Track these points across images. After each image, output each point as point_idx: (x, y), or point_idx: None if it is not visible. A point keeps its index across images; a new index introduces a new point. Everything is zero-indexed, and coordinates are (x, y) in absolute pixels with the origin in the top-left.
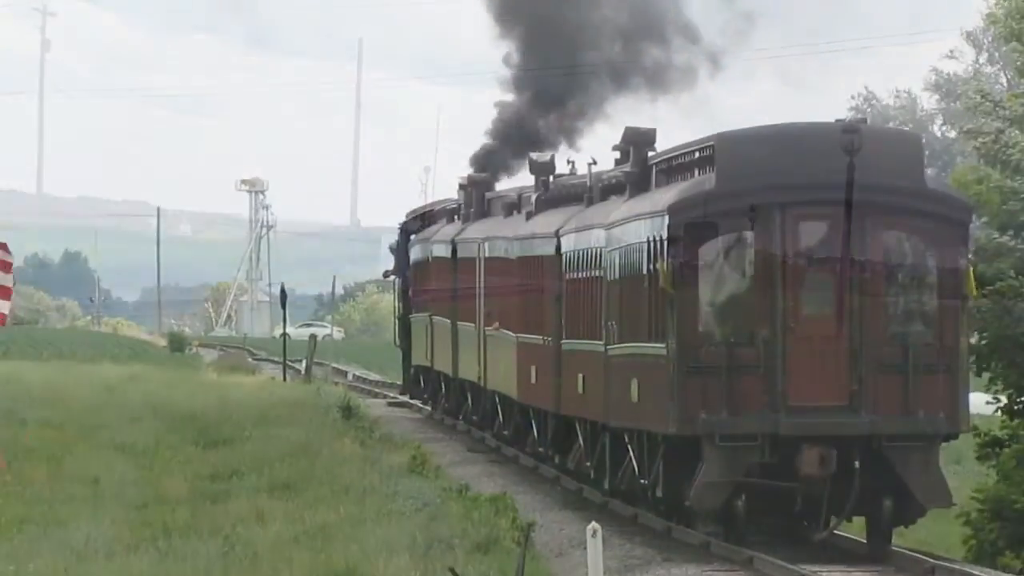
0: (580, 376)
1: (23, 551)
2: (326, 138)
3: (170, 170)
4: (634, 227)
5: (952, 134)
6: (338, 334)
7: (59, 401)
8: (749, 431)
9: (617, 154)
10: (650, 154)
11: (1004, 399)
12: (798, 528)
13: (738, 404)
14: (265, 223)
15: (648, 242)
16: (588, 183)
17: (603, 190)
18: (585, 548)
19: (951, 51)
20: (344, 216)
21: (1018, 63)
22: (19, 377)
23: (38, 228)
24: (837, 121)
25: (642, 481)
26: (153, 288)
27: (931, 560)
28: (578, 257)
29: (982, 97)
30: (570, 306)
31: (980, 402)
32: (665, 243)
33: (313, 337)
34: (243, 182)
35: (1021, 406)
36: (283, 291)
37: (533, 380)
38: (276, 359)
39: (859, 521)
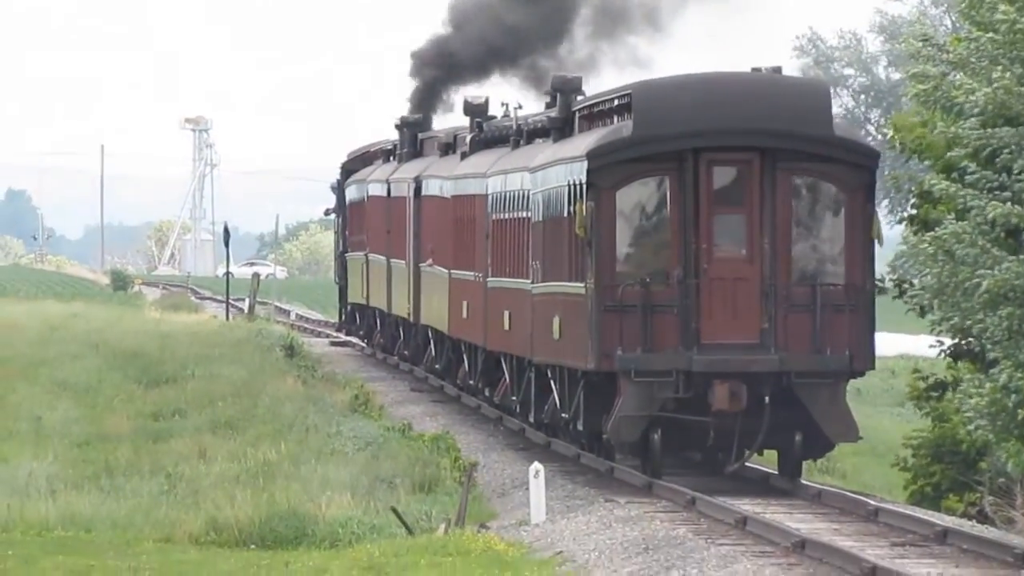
0: (506, 313)
1: None
2: (274, 74)
3: (114, 107)
4: (556, 171)
5: (897, 76)
6: (281, 273)
7: (1, 338)
8: (663, 367)
9: (548, 99)
10: (578, 99)
11: (948, 342)
12: (711, 460)
13: (653, 341)
14: (209, 161)
15: (569, 186)
16: (515, 125)
17: (530, 133)
18: (528, 488)
19: None
20: (291, 154)
21: (962, 5)
22: None
23: None
24: (752, 70)
25: (563, 415)
26: (97, 227)
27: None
28: (505, 198)
29: (923, 42)
30: (497, 245)
31: (923, 345)
32: (584, 187)
33: (256, 276)
34: (187, 120)
35: (966, 349)
36: (226, 230)
37: (464, 315)
38: (219, 298)
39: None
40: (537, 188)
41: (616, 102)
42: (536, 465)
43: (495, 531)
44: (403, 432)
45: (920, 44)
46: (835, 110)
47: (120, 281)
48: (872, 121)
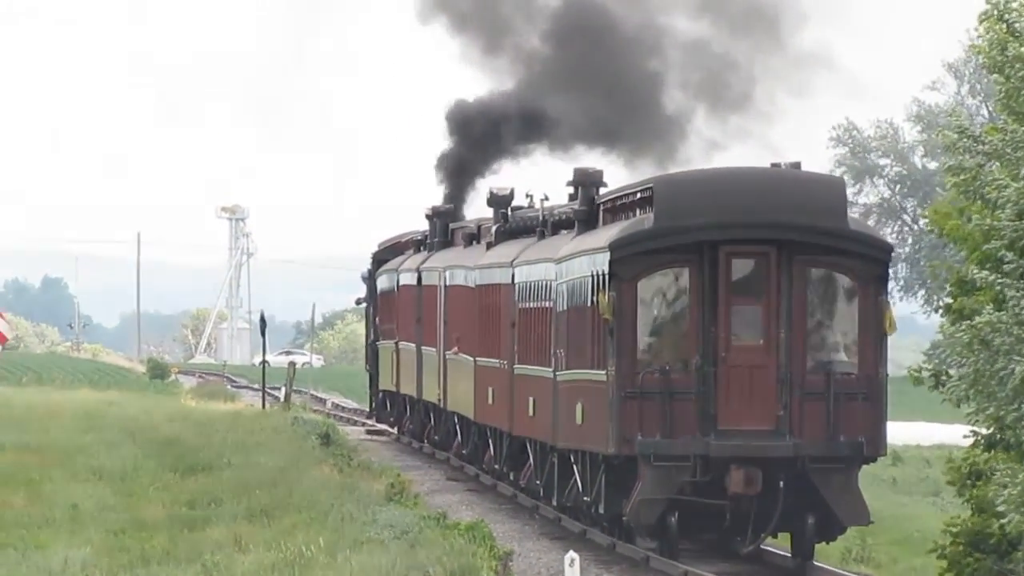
0: (531, 399)
1: (1, 575)
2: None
3: (150, 195)
4: (579, 262)
5: (933, 165)
6: (317, 362)
7: (38, 426)
8: (682, 452)
9: (571, 189)
10: (602, 192)
11: (983, 431)
12: (728, 542)
13: (672, 427)
14: (245, 250)
15: (592, 276)
16: (541, 217)
17: (555, 224)
18: None
19: (933, 82)
20: (325, 244)
21: (1000, 95)
22: None
23: (17, 253)
24: (772, 165)
25: (585, 498)
26: (133, 314)
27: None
28: (530, 288)
29: (959, 134)
30: (523, 333)
31: (959, 435)
32: (606, 276)
33: (292, 365)
34: (223, 209)
35: (1000, 439)
36: (263, 319)
37: (490, 402)
38: (255, 386)
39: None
40: (561, 279)
41: (638, 195)
42: (571, 554)
43: None
44: (438, 521)
45: (956, 136)
46: (871, 199)
47: (157, 369)
48: (908, 211)
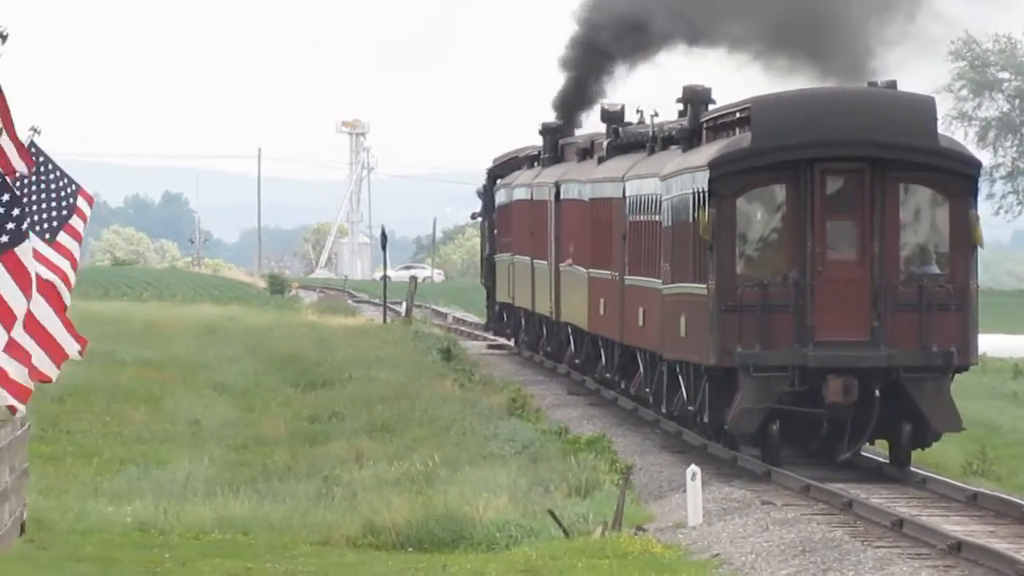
0: (641, 310)
1: (124, 490)
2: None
3: (271, 111)
4: (682, 179)
5: None
6: (438, 276)
7: (159, 342)
8: (780, 363)
9: (681, 105)
10: (710, 108)
11: None
12: (826, 450)
13: (770, 339)
14: (366, 165)
15: (693, 193)
16: (651, 132)
17: (664, 140)
18: (684, 491)
19: None
20: (446, 158)
21: None
22: (119, 317)
23: (138, 168)
24: (869, 84)
25: (690, 407)
26: (253, 230)
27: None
28: (640, 202)
29: None
30: (633, 246)
31: None
32: (706, 194)
33: (413, 279)
34: (344, 123)
35: None
36: (383, 233)
37: (602, 312)
38: (376, 301)
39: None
40: (667, 194)
41: (737, 115)
42: (693, 468)
43: (652, 534)
44: (560, 435)
45: None
46: (990, 113)
47: (277, 285)
48: None
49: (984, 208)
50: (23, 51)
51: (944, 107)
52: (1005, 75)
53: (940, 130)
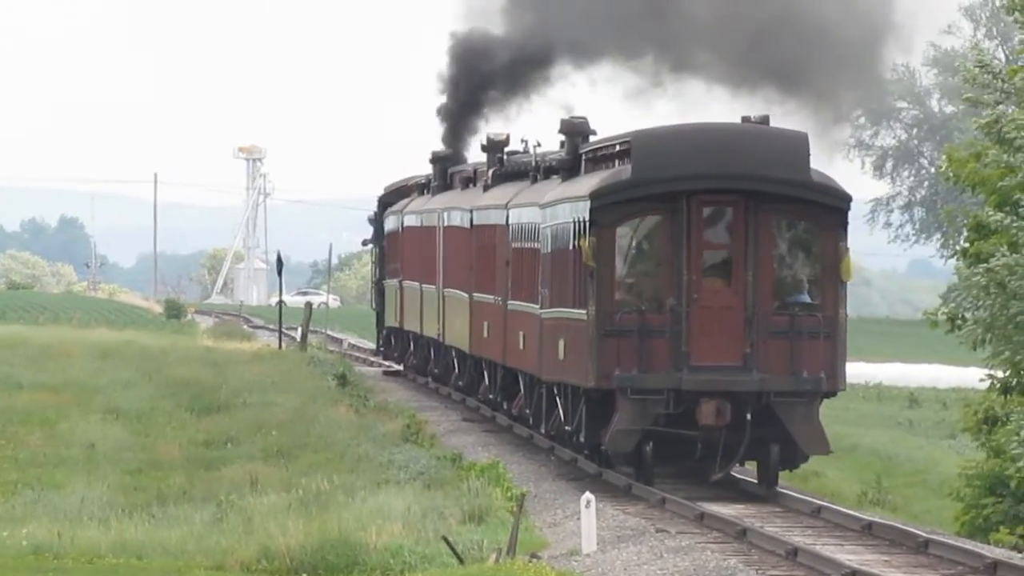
0: (521, 334)
1: (18, 514)
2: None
3: (167, 136)
4: (563, 208)
5: (950, 109)
6: (334, 302)
7: (55, 366)
8: (656, 386)
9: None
10: (591, 140)
11: (1000, 375)
12: (699, 470)
13: (647, 362)
14: (262, 190)
15: (574, 222)
16: (533, 162)
17: (546, 170)
18: (579, 518)
19: (949, 26)
20: (343, 185)
21: (1021, 35)
22: (15, 341)
23: (34, 192)
24: (743, 119)
25: (567, 428)
26: (150, 254)
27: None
28: (522, 229)
29: (980, 68)
30: (515, 271)
31: (974, 378)
32: (587, 223)
33: (308, 305)
34: (241, 149)
35: (1016, 383)
36: (279, 259)
37: (485, 335)
38: (272, 327)
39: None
40: (546, 223)
41: (617, 147)
42: (587, 495)
43: (546, 561)
44: (454, 462)
45: (977, 70)
46: (889, 142)
47: (173, 309)
48: (925, 154)
49: (880, 237)
50: None
51: (842, 135)
52: (903, 104)
53: (840, 159)
